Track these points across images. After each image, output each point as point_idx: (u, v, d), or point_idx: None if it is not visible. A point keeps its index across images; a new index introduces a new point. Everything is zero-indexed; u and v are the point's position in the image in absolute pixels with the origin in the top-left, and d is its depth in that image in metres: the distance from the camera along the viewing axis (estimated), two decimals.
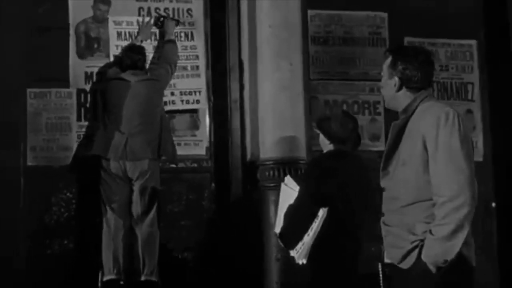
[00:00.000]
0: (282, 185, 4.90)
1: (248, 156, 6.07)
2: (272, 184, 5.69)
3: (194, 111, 6.23)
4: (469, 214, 3.13)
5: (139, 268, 5.58)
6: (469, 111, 6.67)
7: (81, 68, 6.08)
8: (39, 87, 5.97)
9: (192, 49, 6.26)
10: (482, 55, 6.80)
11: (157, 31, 6.22)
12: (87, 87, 6.07)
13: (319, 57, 6.47)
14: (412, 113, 3.33)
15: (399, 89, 3.38)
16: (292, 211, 4.63)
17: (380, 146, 6.43)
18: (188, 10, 6.31)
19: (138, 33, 6.11)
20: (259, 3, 5.98)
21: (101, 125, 5.74)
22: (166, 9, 6.28)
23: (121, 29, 6.17)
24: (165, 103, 6.03)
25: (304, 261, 4.57)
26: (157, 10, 6.27)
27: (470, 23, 6.82)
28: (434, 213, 3.20)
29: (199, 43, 6.26)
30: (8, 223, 5.50)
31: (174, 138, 5.98)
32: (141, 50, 5.88)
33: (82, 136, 6.01)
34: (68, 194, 5.97)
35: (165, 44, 6.05)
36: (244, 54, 6.16)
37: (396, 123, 3.40)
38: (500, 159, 6.63)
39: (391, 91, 3.42)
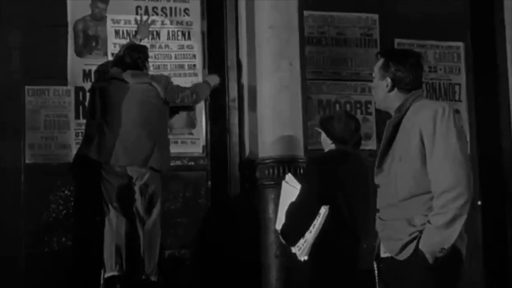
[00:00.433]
0: (283, 183, 4.98)
1: (247, 155, 6.13)
2: (271, 182, 5.77)
3: (191, 109, 6.28)
4: (466, 204, 3.25)
5: (140, 266, 5.61)
6: (457, 111, 6.84)
7: (79, 66, 6.09)
8: (38, 85, 5.96)
9: (189, 48, 6.32)
10: (469, 57, 6.97)
11: (155, 30, 6.25)
12: (85, 85, 6.07)
13: (313, 57, 6.57)
14: (406, 112, 3.46)
15: (391, 90, 3.52)
16: (294, 208, 4.71)
17: (372, 145, 6.59)
18: (185, 9, 6.36)
19: (136, 31, 6.13)
20: (258, 3, 6.04)
21: (98, 126, 5.74)
22: (163, 8, 6.32)
23: (119, 27, 6.20)
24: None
25: (306, 258, 4.66)
26: (155, 9, 6.30)
27: (458, 26, 6.99)
28: (432, 206, 3.31)
29: (196, 43, 6.32)
30: (9, 221, 5.46)
31: (170, 137, 6.00)
32: (141, 49, 5.88)
33: (80, 134, 6.01)
34: (66, 192, 5.97)
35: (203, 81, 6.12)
36: (242, 54, 6.23)
37: (390, 121, 3.52)
38: (485, 158, 6.82)
39: (383, 92, 3.55)
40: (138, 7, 6.27)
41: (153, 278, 5.58)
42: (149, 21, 6.22)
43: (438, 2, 6.93)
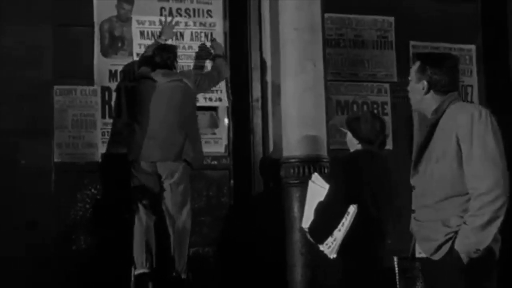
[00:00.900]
0: (310, 182, 5.08)
1: (270, 154, 6.25)
2: (296, 181, 5.89)
3: (214, 109, 6.38)
4: (503, 206, 3.31)
5: (170, 264, 5.70)
6: None
7: (105, 66, 6.18)
8: (65, 84, 6.03)
9: (212, 49, 6.41)
10: (480, 59, 7.14)
11: (178, 31, 6.35)
12: (111, 85, 6.17)
13: (331, 59, 6.70)
14: (442, 114, 3.52)
15: (427, 92, 3.57)
16: (322, 207, 4.81)
17: (388, 145, 6.69)
18: (208, 11, 6.46)
19: (161, 32, 6.22)
20: (282, 4, 6.14)
21: (127, 125, 5.90)
22: (186, 9, 6.42)
23: (144, 28, 6.29)
24: None
25: (335, 256, 4.78)
26: (178, 11, 6.39)
27: (470, 29, 7.16)
28: (468, 207, 3.37)
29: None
30: (41, 221, 5.51)
31: None
32: (171, 49, 5.98)
33: (106, 134, 6.10)
34: (93, 190, 6.05)
35: (215, 58, 6.22)
36: (266, 54, 6.34)
37: (427, 124, 3.57)
38: None
39: (419, 95, 3.61)
40: (162, 8, 6.37)
41: (183, 276, 5.66)
42: (173, 22, 6.30)
43: (451, 5, 7.10)
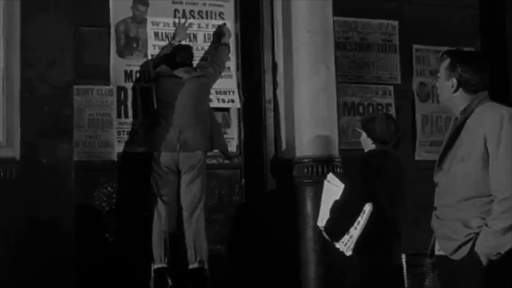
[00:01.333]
0: (325, 182, 5.25)
1: (283, 154, 6.40)
2: (309, 181, 6.07)
3: (226, 109, 6.53)
4: None
5: (187, 257, 5.84)
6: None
7: (121, 67, 6.28)
8: (83, 84, 6.12)
9: None
10: None
11: (192, 32, 6.48)
12: (127, 85, 6.28)
13: (338, 61, 6.84)
14: (470, 113, 3.48)
15: (456, 90, 3.52)
16: (339, 206, 4.97)
17: None
18: (220, 13, 6.60)
19: (174, 34, 6.35)
20: (295, 7, 6.31)
21: (145, 124, 6.09)
22: (199, 11, 6.54)
23: (158, 29, 6.40)
24: None
25: (351, 253, 4.94)
26: (191, 13, 6.51)
27: (470, 33, 7.39)
28: (490, 209, 3.35)
29: (231, 46, 6.52)
30: (61, 218, 5.60)
31: None
32: (189, 49, 6.19)
33: (122, 133, 6.20)
34: (109, 188, 6.16)
35: (219, 46, 6.37)
36: (279, 56, 6.49)
37: (455, 123, 3.55)
38: None
39: (448, 92, 3.56)
40: (176, 10, 6.48)
41: (205, 266, 5.81)
42: (187, 24, 6.42)
43: (452, 10, 7.33)
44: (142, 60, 6.32)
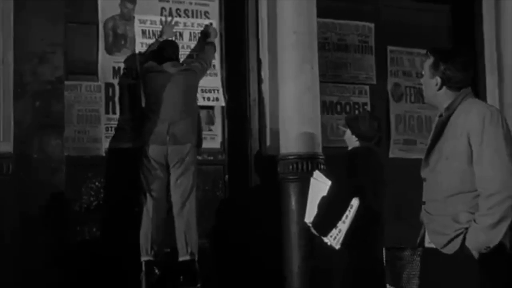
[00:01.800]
0: (312, 179, 5.43)
1: (267, 151, 6.58)
2: (294, 177, 6.26)
3: (211, 107, 6.66)
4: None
5: (177, 250, 5.96)
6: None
7: (109, 63, 6.35)
8: (72, 80, 6.17)
9: None
10: None
11: (178, 31, 6.58)
12: (115, 82, 6.35)
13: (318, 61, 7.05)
14: (454, 110, 3.56)
15: (440, 88, 3.59)
16: (326, 201, 5.17)
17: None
18: (206, 12, 6.72)
19: (161, 32, 6.45)
20: (280, 8, 6.48)
21: (141, 117, 6.15)
22: (185, 10, 6.65)
23: (146, 27, 6.49)
24: None
25: (339, 247, 5.14)
26: (178, 11, 6.62)
27: (442, 36, 7.68)
28: (477, 204, 3.45)
29: (216, 44, 6.67)
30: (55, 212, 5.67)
31: None
32: (175, 44, 6.32)
33: (110, 129, 6.28)
34: (97, 183, 6.23)
35: (205, 44, 6.49)
36: (264, 56, 6.65)
37: (440, 119, 3.64)
38: None
39: (432, 90, 3.63)
40: (163, 8, 6.58)
41: (195, 258, 5.93)
42: (173, 22, 6.53)
43: (425, 14, 7.62)
44: (134, 57, 6.39)
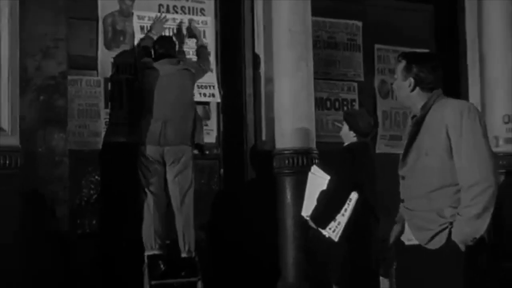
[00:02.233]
0: (310, 174, 5.62)
1: (263, 145, 6.76)
2: (290, 171, 6.45)
3: (207, 103, 6.79)
4: (494, 195, 3.48)
5: (178, 245, 6.07)
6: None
7: (108, 59, 6.44)
8: (73, 75, 6.25)
9: None
10: None
11: (175, 27, 6.71)
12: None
13: None
14: (429, 110, 3.65)
15: (413, 89, 3.70)
16: (325, 195, 5.35)
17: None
18: (201, 9, 6.85)
19: (151, 27, 6.47)
20: (276, 6, 6.64)
21: (130, 115, 6.26)
22: (182, 7, 6.77)
23: (144, 23, 6.58)
24: None
25: (338, 239, 5.31)
26: (175, 8, 6.74)
27: (426, 34, 7.94)
28: (459, 198, 3.53)
29: (211, 41, 6.80)
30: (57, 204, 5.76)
31: None
32: (172, 40, 6.37)
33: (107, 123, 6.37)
34: (96, 177, 6.32)
35: (197, 49, 6.58)
36: (259, 53, 6.82)
37: (415, 119, 3.73)
38: None
39: (406, 92, 3.73)
40: (160, 5, 6.69)
41: (193, 255, 6.04)
42: (164, 19, 6.58)
43: (410, 14, 7.86)
44: (128, 53, 6.47)
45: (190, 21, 6.72)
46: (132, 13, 6.56)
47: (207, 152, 6.65)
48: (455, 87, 7.78)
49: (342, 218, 5.31)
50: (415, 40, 7.79)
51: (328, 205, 5.35)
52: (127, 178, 6.16)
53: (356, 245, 5.39)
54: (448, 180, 3.57)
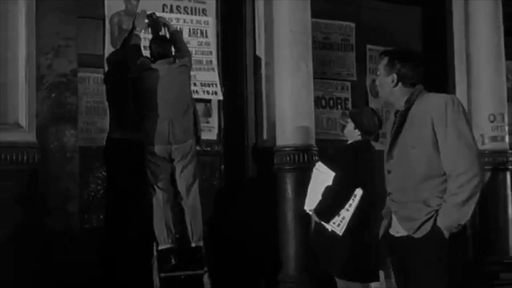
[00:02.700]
0: (314, 170, 5.81)
1: (264, 142, 6.97)
2: (291, 167, 6.67)
3: (208, 100, 6.97)
4: (479, 184, 3.61)
5: (187, 236, 6.25)
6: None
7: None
8: (81, 72, 6.38)
9: (206, 45, 6.97)
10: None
11: (178, 27, 6.85)
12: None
13: None
14: (412, 104, 3.77)
15: (396, 85, 3.81)
16: (330, 191, 5.52)
17: None
18: (203, 9, 7.03)
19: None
20: (277, 6, 6.85)
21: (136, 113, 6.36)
22: (185, 7, 6.95)
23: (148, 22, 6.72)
24: None
25: (342, 233, 5.50)
26: (178, 8, 6.91)
27: (415, 35, 8.22)
28: (445, 188, 3.65)
29: (212, 41, 6.99)
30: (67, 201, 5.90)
31: None
32: (167, 39, 6.45)
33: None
34: (103, 173, 6.47)
35: (171, 35, 6.51)
36: (260, 52, 7.02)
37: (399, 114, 3.83)
38: None
39: (389, 88, 3.84)
40: (164, 5, 6.86)
41: (201, 244, 6.23)
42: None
43: (400, 15, 8.13)
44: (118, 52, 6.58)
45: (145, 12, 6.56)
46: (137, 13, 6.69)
47: (207, 149, 6.84)
48: (442, 86, 8.05)
49: (347, 213, 5.49)
50: (405, 41, 8.05)
51: (333, 200, 5.52)
52: (131, 174, 6.32)
53: (359, 240, 5.59)
54: (435, 170, 3.69)
